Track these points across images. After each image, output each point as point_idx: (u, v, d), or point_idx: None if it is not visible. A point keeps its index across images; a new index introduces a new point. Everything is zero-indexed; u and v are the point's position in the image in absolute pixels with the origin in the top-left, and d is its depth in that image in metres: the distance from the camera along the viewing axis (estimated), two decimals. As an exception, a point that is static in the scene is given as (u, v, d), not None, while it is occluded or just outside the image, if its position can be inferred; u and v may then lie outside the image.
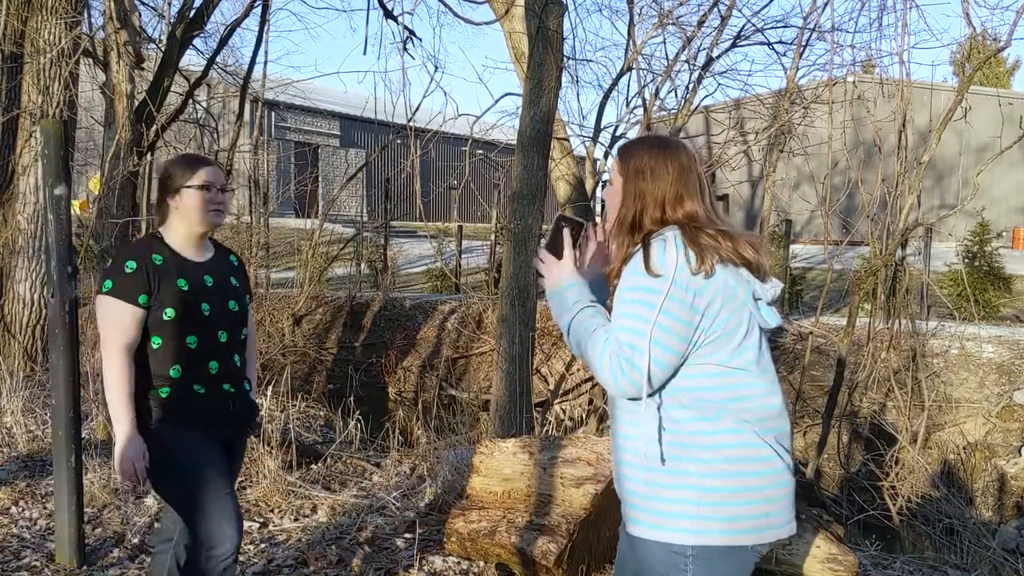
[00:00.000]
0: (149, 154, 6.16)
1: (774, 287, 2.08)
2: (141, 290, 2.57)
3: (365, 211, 22.21)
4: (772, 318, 2.07)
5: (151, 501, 4.72)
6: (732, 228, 2.05)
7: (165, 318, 2.59)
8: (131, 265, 2.60)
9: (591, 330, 2.01)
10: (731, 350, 1.99)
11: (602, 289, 2.22)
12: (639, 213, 2.07)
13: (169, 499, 2.78)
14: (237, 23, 6.55)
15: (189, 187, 2.67)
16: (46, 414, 6.18)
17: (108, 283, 2.59)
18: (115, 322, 2.57)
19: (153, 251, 2.67)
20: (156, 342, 2.61)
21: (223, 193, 2.74)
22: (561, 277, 2.11)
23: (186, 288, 2.63)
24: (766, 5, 17.08)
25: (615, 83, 10.80)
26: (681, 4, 10.01)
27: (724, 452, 1.97)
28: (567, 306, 2.07)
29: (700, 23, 9.69)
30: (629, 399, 2.01)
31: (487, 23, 8.97)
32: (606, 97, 10.98)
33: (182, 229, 2.72)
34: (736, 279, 2.01)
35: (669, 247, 1.98)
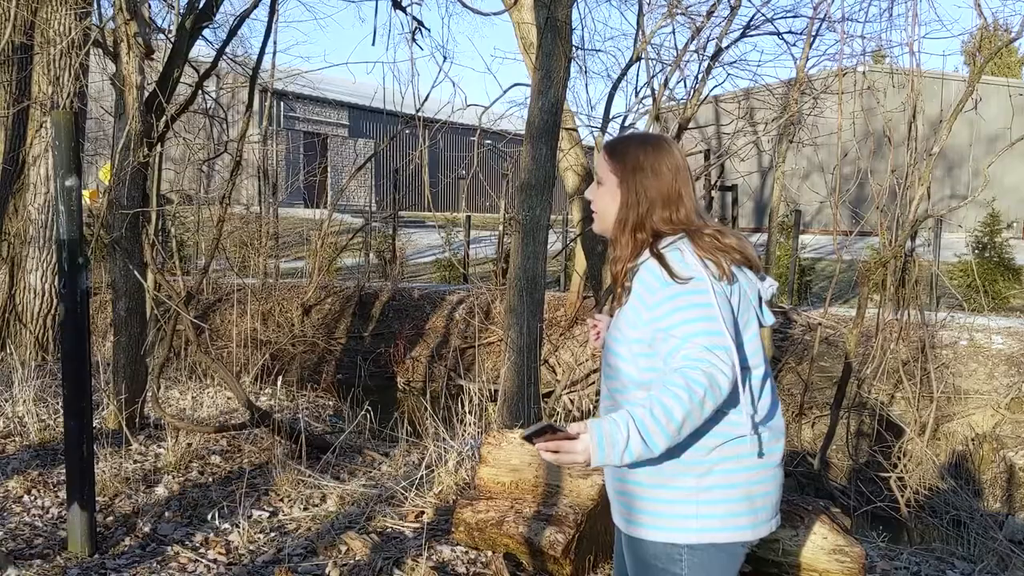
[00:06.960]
0: (159, 145, 6.18)
1: (771, 286, 2.09)
2: None
3: (374, 201, 22.21)
4: (769, 317, 2.09)
5: (162, 490, 4.77)
6: (719, 225, 2.06)
7: None
8: None
9: (664, 398, 1.80)
10: (744, 351, 1.97)
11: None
12: (644, 213, 2.03)
13: None
14: (246, 14, 6.53)
15: None
16: (57, 403, 6.23)
17: None
18: None
19: None
20: None
21: None
22: (589, 444, 1.79)
23: None
24: (776, -6, 17.01)
25: (624, 73, 10.73)
26: (690, -6, 9.96)
27: (720, 451, 1.96)
28: (625, 438, 1.79)
29: (709, 13, 9.63)
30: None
31: (496, 13, 8.93)
32: (615, 87, 10.89)
33: None
34: (746, 279, 2.03)
35: (687, 255, 1.95)
